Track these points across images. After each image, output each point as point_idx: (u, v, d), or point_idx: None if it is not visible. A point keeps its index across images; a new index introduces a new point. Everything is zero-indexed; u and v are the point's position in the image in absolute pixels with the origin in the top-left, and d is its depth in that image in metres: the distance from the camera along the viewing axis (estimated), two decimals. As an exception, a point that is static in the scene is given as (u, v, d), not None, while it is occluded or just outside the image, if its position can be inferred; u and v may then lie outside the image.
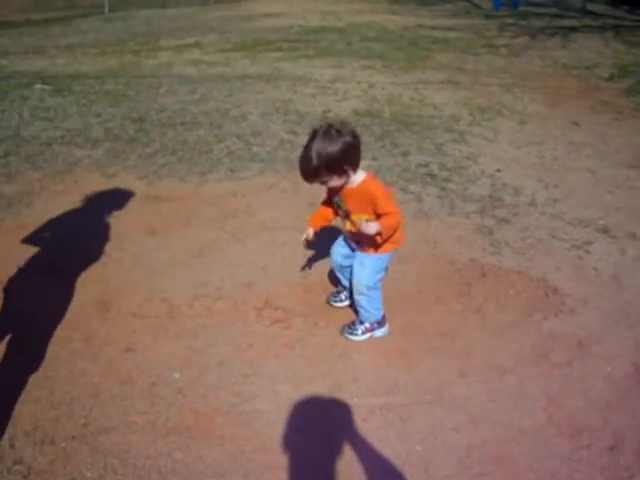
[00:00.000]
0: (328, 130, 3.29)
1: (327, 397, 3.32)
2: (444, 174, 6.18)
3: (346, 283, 3.95)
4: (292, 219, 5.05)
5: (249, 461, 2.94)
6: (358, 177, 3.41)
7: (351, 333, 3.78)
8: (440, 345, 3.73)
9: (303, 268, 4.43)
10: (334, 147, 3.23)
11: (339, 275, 3.96)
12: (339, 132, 3.28)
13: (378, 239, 3.48)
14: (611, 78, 10.35)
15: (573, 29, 15.16)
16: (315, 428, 3.14)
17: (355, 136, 3.33)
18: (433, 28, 15.43)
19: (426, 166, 6.37)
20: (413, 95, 9.16)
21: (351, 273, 3.75)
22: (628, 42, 13.52)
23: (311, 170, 3.33)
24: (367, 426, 3.14)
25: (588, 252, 4.76)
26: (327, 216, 3.78)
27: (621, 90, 9.71)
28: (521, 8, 19.19)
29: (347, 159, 3.29)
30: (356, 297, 3.70)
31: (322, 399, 3.32)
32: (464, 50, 12.61)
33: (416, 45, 13.15)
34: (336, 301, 4.08)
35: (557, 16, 17.56)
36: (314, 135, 3.31)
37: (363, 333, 3.77)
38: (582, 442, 3.02)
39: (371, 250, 3.60)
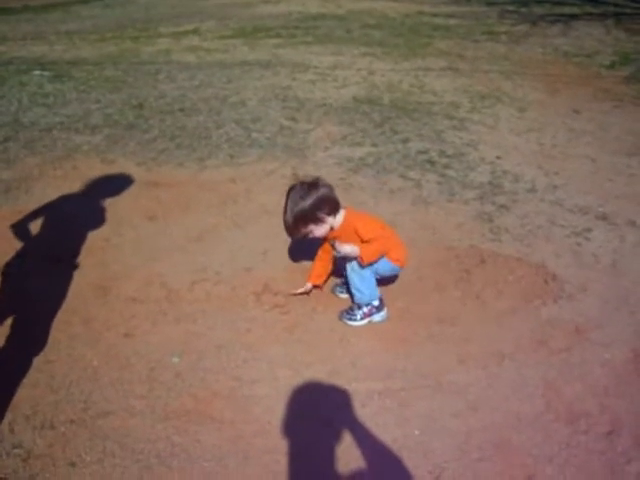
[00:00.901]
0: (298, 187, 3.58)
1: (326, 382, 3.33)
2: (444, 161, 6.16)
3: None
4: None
5: (248, 445, 2.95)
6: (339, 218, 3.66)
7: (350, 318, 3.79)
8: (439, 331, 3.73)
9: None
10: (305, 202, 3.51)
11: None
12: (309, 187, 3.56)
13: (362, 263, 3.64)
14: (612, 66, 10.31)
15: (574, 16, 15.09)
16: (314, 413, 3.15)
17: (325, 186, 3.59)
18: (434, 15, 15.37)
19: (426, 153, 6.36)
20: (413, 82, 9.13)
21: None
22: (629, 30, 13.46)
23: (290, 227, 3.63)
24: (365, 411, 3.14)
25: (587, 239, 4.76)
26: (325, 269, 4.02)
27: (622, 78, 9.68)
28: (522, -5, 19.12)
29: (320, 209, 3.55)
30: (349, 274, 3.75)
31: (321, 384, 3.32)
32: (464, 37, 12.56)
33: (416, 32, 13.10)
34: (342, 292, 4.10)
35: (558, 3, 17.47)
36: (287, 195, 3.60)
37: (362, 318, 3.77)
38: (580, 428, 3.03)
39: None
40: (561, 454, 2.89)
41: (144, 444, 2.95)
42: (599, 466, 2.84)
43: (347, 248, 3.59)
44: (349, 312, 3.82)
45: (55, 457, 2.87)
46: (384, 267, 3.76)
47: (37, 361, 3.44)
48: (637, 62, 10.58)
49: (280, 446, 2.94)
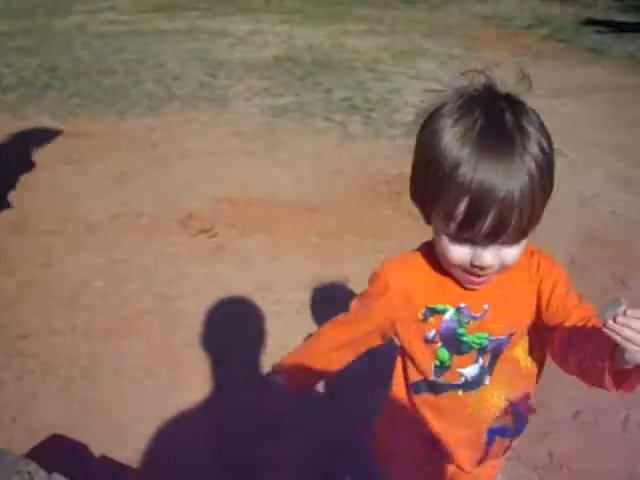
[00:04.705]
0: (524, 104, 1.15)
1: (255, 295, 3.19)
2: (368, 105, 6.10)
3: None
4: (215, 144, 4.91)
5: (176, 355, 2.82)
6: None
7: None
8: (373, 245, 3.64)
9: None
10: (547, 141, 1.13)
11: None
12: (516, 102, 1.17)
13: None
14: (530, 27, 10.46)
15: (490, -13, 15.28)
16: (244, 325, 3.03)
17: None
18: (352, -13, 15.34)
19: (350, 100, 6.28)
20: (334, 42, 9.03)
21: None
22: (544, -3, 13.70)
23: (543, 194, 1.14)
24: (301, 317, 3.04)
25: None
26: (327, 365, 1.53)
27: (540, 36, 9.82)
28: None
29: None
30: None
31: (247, 298, 3.18)
32: (383, 6, 12.55)
33: (335, 2, 13.03)
34: None
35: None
36: (510, 108, 1.09)
37: None
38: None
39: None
40: None
41: (66, 360, 2.79)
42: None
43: None
44: None
45: (-31, 377, 2.69)
46: None
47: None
48: (553, 24, 10.75)
49: (207, 355, 2.82)
